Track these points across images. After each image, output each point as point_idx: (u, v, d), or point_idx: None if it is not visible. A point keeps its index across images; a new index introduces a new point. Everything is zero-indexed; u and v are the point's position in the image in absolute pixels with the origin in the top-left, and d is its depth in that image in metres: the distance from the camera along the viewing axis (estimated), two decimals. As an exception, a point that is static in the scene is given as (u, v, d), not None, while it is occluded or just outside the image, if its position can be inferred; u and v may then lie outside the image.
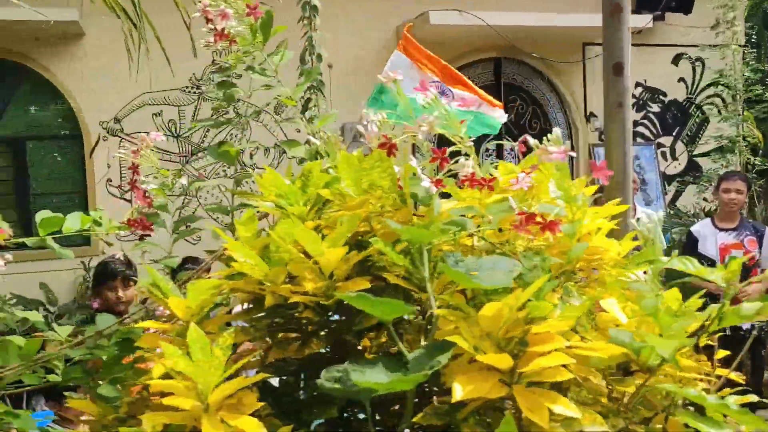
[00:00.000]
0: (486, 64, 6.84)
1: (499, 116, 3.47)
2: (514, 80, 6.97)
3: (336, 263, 0.85)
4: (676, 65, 7.75)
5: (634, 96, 7.46)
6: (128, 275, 3.01)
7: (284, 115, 5.92)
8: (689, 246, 4.43)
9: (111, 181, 5.85)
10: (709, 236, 4.44)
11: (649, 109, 7.52)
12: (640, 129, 7.53)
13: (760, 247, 4.30)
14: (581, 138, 7.12)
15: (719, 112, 7.74)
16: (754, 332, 4.30)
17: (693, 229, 4.61)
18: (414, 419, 0.77)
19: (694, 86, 7.79)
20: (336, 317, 0.90)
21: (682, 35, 7.39)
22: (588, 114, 7.18)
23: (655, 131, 7.53)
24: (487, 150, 6.81)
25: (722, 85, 7.76)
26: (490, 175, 0.92)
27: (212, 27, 1.13)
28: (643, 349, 0.79)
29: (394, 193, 0.92)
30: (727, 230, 4.45)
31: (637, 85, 7.48)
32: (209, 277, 1.00)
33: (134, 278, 2.99)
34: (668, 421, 0.81)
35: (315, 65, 3.99)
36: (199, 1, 1.14)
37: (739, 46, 7.88)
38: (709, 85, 7.82)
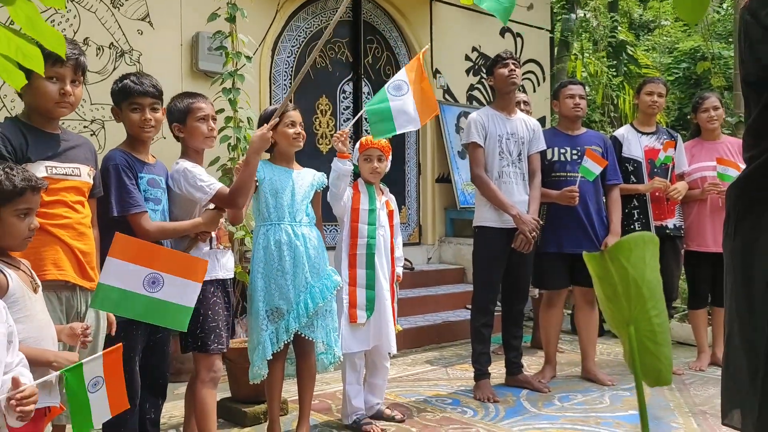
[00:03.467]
0: None
1: None
2: (372, 21, 6.63)
3: None
4: (503, 37, 8.01)
5: (470, 60, 7.57)
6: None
7: (125, 10, 4.93)
8: (615, 150, 4.44)
9: None
10: (632, 140, 4.50)
11: (482, 75, 7.64)
12: (476, 93, 7.65)
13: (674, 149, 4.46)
14: (428, 93, 6.99)
15: (534, 89, 8.31)
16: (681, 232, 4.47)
17: (617, 133, 4.64)
18: None
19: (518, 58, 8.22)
20: None
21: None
22: (434, 70, 7.09)
23: (488, 97, 7.67)
24: (344, 91, 6.40)
25: (535, 63, 8.42)
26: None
27: None
28: None
29: None
30: (648, 134, 4.54)
31: (473, 50, 7.62)
32: None
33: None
34: None
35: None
36: None
37: (548, 31, 8.62)
38: (527, 62, 8.24)
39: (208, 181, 2.74)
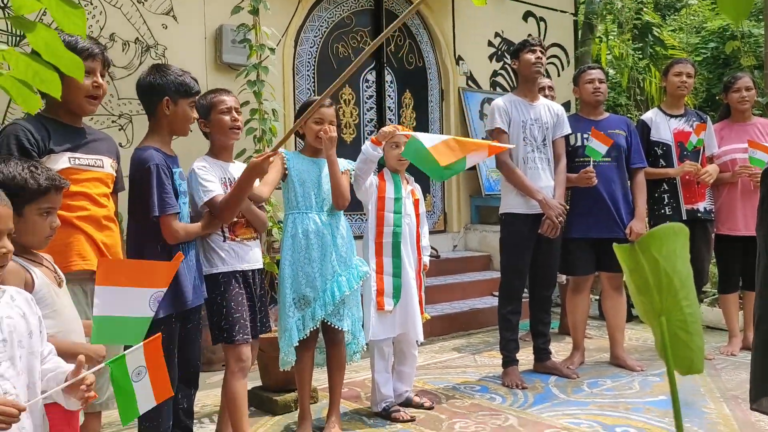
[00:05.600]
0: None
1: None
2: (394, 9, 6.61)
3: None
4: (526, 21, 7.93)
5: (493, 46, 7.51)
6: None
7: (149, 5, 5.00)
8: (643, 134, 4.41)
9: None
10: (661, 123, 4.45)
11: (506, 60, 7.59)
12: (499, 79, 7.59)
13: None
14: (451, 81, 6.97)
15: (558, 73, 8.21)
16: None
17: (644, 117, 4.59)
18: None
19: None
20: None
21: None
22: (457, 57, 7.05)
23: (511, 83, 7.61)
24: (366, 81, 6.40)
25: (559, 47, 8.32)
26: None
27: None
28: None
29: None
30: (676, 116, 4.48)
31: (496, 35, 7.55)
32: None
33: None
34: None
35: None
36: None
37: (571, 14, 8.51)
38: (550, 46, 8.14)
39: (206, 186, 2.77)
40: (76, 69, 1.07)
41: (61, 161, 2.18)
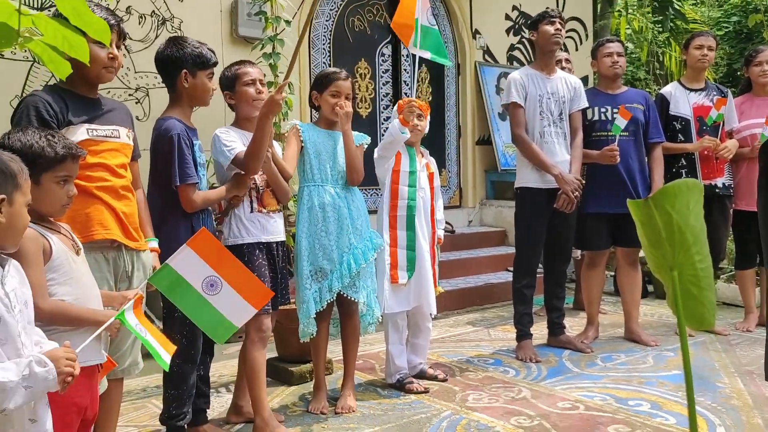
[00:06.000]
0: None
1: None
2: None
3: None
4: (544, -5, 7.81)
5: (511, 19, 7.42)
6: None
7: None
8: (662, 108, 4.37)
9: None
10: (680, 97, 4.41)
11: (523, 34, 7.50)
12: (516, 53, 7.51)
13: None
14: (468, 55, 6.91)
15: (576, 47, 8.10)
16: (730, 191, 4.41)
17: (664, 91, 4.54)
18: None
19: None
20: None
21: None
22: (474, 30, 6.98)
23: (528, 57, 7.53)
24: (383, 55, 6.37)
25: (577, 20, 8.20)
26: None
27: None
28: None
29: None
30: (696, 91, 4.43)
31: (514, 9, 7.46)
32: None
33: None
34: None
35: None
36: None
37: None
38: (569, 19, 8.02)
39: (228, 146, 2.80)
40: (103, 33, 1.08)
41: (79, 132, 2.20)
